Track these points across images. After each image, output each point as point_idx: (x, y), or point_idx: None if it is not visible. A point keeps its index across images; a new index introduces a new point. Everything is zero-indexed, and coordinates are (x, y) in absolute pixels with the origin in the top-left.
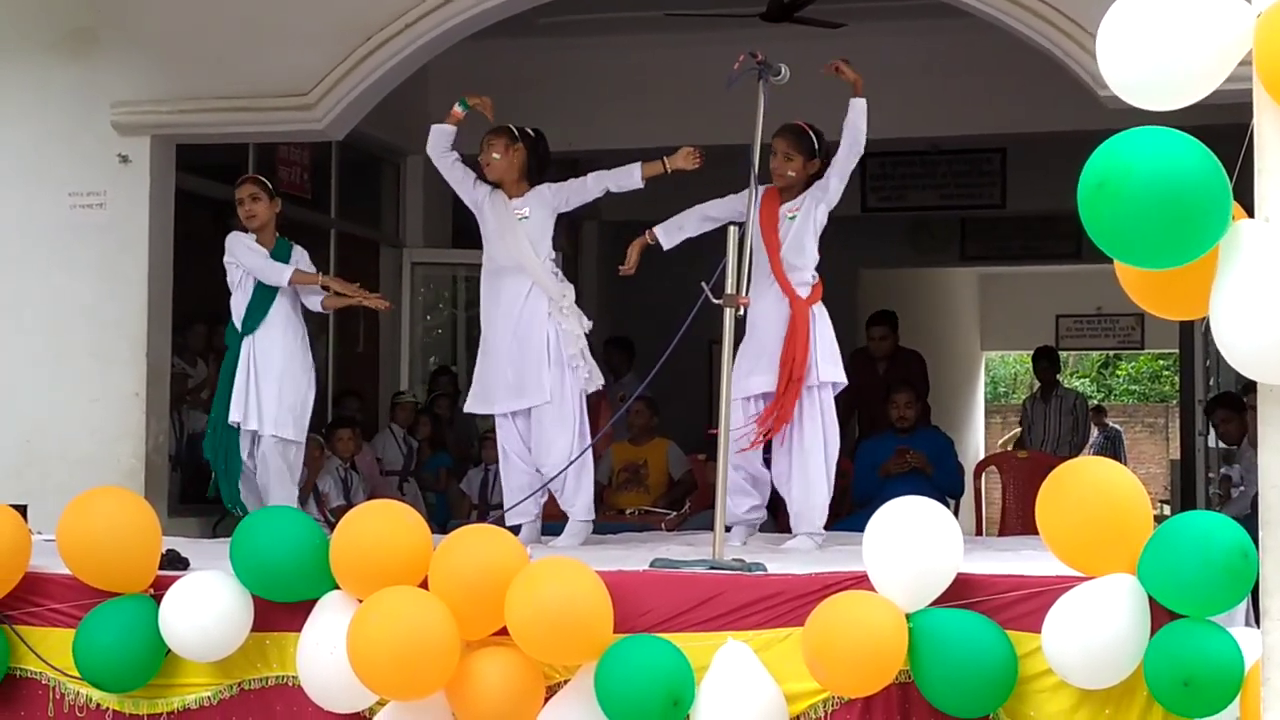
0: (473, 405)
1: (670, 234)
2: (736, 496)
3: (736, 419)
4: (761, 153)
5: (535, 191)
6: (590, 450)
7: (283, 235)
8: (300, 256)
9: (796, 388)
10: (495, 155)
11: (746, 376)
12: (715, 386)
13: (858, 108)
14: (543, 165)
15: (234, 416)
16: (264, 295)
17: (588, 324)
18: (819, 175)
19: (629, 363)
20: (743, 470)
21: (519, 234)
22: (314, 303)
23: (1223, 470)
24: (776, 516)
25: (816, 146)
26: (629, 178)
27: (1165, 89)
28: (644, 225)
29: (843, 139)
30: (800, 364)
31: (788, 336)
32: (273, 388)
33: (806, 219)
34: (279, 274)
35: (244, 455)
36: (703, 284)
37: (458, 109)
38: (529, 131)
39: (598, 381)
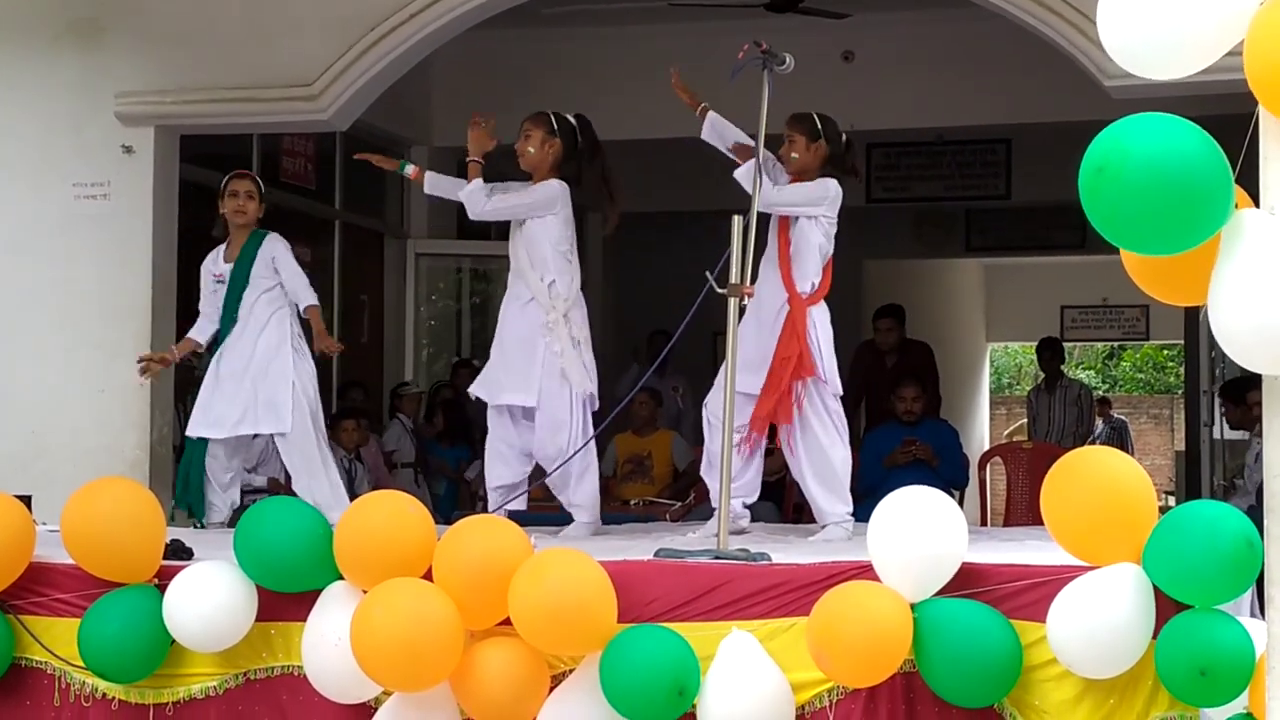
0: (475, 388)
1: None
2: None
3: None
4: (772, 143)
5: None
6: (594, 453)
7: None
8: (275, 247)
9: (791, 389)
10: (530, 149)
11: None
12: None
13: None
14: (585, 155)
15: (190, 430)
16: (232, 303)
17: (583, 332)
18: (832, 160)
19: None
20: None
21: (517, 239)
22: (301, 303)
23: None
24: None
25: (820, 128)
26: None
27: (1166, 55)
28: (644, 216)
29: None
30: (806, 365)
31: (784, 335)
32: (237, 387)
33: (806, 233)
34: (309, 296)
35: (210, 468)
36: (707, 273)
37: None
38: (569, 120)
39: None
